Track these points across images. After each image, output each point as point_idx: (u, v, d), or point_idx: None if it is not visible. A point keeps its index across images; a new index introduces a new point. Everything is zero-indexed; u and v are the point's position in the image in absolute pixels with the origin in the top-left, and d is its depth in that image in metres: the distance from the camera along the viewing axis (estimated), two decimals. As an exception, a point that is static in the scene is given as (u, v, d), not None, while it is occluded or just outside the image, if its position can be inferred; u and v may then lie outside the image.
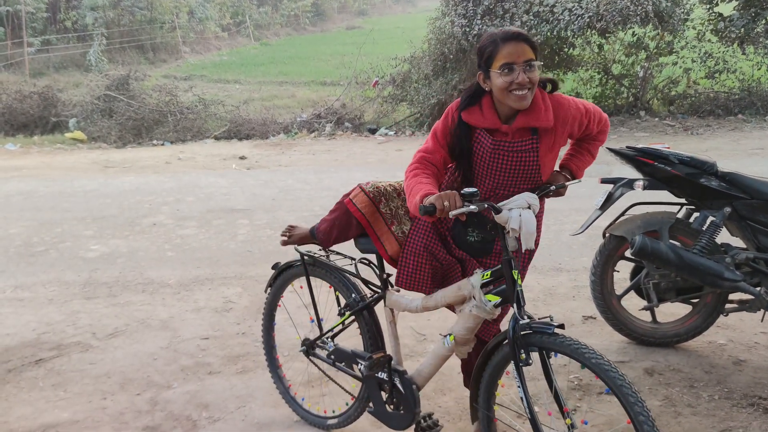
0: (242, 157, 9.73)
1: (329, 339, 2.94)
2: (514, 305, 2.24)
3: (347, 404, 2.95)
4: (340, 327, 2.90)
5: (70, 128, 12.26)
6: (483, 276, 2.37)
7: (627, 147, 3.55)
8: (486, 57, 2.33)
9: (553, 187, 2.43)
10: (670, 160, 3.38)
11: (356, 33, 31.79)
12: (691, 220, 3.55)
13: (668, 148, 3.47)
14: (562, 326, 2.17)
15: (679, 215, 3.58)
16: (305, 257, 2.92)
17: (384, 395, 2.70)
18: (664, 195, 3.56)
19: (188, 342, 3.93)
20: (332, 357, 2.90)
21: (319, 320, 2.98)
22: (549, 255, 5.24)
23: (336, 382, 3.01)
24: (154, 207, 6.92)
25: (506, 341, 2.25)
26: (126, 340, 3.97)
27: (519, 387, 2.23)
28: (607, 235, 3.64)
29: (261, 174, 8.57)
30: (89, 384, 3.47)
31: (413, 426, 2.68)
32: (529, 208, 2.22)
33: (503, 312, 2.54)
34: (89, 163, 9.53)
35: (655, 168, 3.40)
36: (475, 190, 2.19)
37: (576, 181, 2.56)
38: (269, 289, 3.14)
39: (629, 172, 3.60)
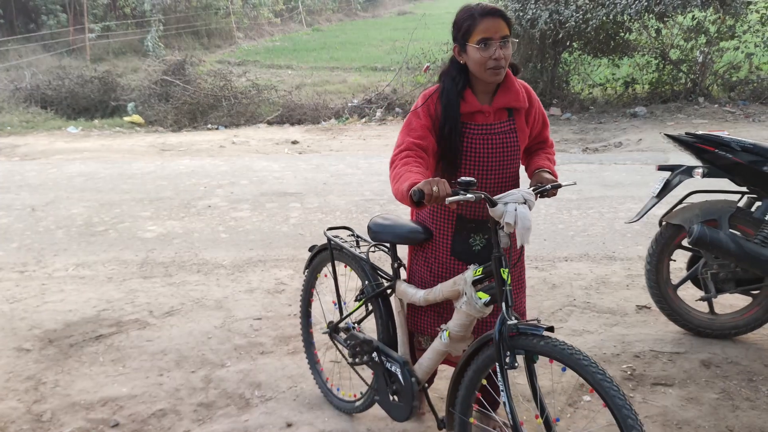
0: (294, 142, 9.82)
1: (353, 324, 2.91)
2: (502, 305, 2.16)
3: (361, 393, 2.96)
4: (364, 313, 2.85)
5: (129, 112, 12.57)
6: (475, 272, 2.29)
7: (686, 133, 3.46)
8: (463, 31, 2.37)
9: (548, 186, 2.34)
10: (732, 148, 3.28)
11: (408, 18, 31.60)
12: (753, 209, 3.45)
13: (728, 134, 3.37)
14: (551, 329, 2.08)
15: (740, 204, 3.47)
16: (331, 242, 2.90)
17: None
18: (724, 183, 3.46)
19: (241, 322, 4.02)
20: (347, 342, 2.86)
21: (340, 304, 2.97)
22: (602, 243, 5.15)
23: (353, 368, 2.92)
24: (209, 190, 7.06)
25: (491, 342, 2.17)
26: (181, 319, 4.08)
27: (502, 391, 2.14)
28: (663, 223, 3.56)
29: (312, 158, 8.65)
30: (146, 360, 3.59)
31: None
32: (525, 203, 2.15)
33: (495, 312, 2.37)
34: (147, 146, 9.77)
35: (716, 155, 3.30)
36: (471, 179, 2.11)
37: (571, 182, 2.48)
38: (306, 271, 3.15)
39: (687, 159, 3.51)
